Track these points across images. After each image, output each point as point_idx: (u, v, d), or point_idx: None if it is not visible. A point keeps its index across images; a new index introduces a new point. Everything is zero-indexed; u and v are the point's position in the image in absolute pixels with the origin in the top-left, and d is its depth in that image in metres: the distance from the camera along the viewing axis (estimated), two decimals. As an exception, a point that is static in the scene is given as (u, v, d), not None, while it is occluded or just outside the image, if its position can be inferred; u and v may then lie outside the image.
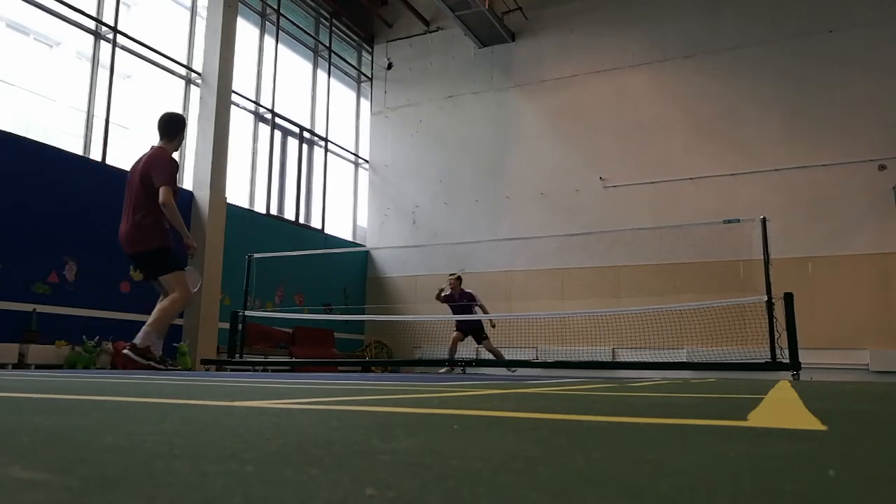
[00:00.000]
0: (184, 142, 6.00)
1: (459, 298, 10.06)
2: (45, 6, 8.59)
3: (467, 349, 11.54)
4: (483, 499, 0.49)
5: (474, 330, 10.15)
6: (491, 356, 10.26)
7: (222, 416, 1.24)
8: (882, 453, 0.83)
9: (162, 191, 5.49)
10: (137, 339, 5.52)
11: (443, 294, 10.05)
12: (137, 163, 5.80)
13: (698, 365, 8.31)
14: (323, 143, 13.58)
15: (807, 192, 10.90)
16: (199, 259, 9.81)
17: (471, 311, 9.97)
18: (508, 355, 11.28)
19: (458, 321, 10.02)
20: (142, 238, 5.66)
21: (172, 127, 5.89)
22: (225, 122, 10.36)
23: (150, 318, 5.63)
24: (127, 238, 5.74)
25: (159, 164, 5.62)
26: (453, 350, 10.09)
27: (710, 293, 9.73)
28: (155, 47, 9.92)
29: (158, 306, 5.71)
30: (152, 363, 5.54)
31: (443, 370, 9.56)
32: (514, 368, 9.91)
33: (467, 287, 10.30)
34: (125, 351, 5.58)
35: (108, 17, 9.30)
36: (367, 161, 14.77)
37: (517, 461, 0.68)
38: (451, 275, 10.31)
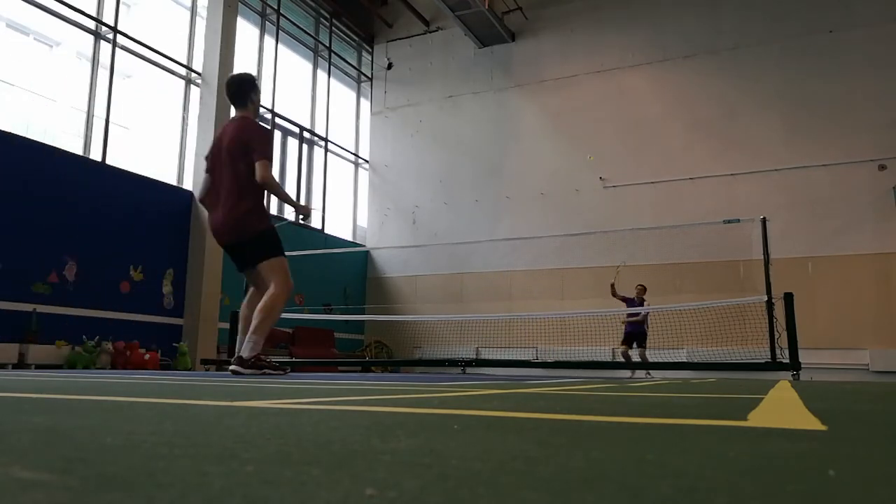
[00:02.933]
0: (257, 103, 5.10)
1: (638, 304, 9.93)
2: (45, 6, 8.59)
3: (467, 349, 11.55)
4: (483, 499, 0.49)
5: (638, 336, 10.03)
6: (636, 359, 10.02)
7: (222, 416, 1.24)
8: (882, 453, 0.83)
9: (259, 166, 4.67)
10: (245, 352, 4.69)
11: (619, 294, 9.98)
12: (220, 140, 4.96)
13: (698, 365, 8.31)
14: (323, 143, 13.58)
15: (807, 192, 10.90)
16: (199, 259, 9.82)
17: (641, 319, 9.85)
18: (509, 355, 11.29)
19: (626, 332, 9.98)
20: (242, 225, 4.81)
21: (243, 89, 5.01)
22: (225, 122, 10.35)
23: (253, 325, 4.76)
24: (223, 227, 4.86)
25: (250, 136, 4.77)
26: (628, 358, 9.91)
27: (710, 293, 9.73)
28: (155, 47, 9.91)
29: (259, 307, 4.82)
30: (267, 371, 4.74)
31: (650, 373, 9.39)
32: (650, 372, 9.54)
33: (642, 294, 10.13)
34: (232, 368, 4.73)
35: (108, 17, 9.30)
36: (367, 161, 14.77)
37: (517, 461, 0.68)
38: (638, 286, 10.13)
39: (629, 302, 10.03)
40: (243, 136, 4.78)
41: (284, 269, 5.00)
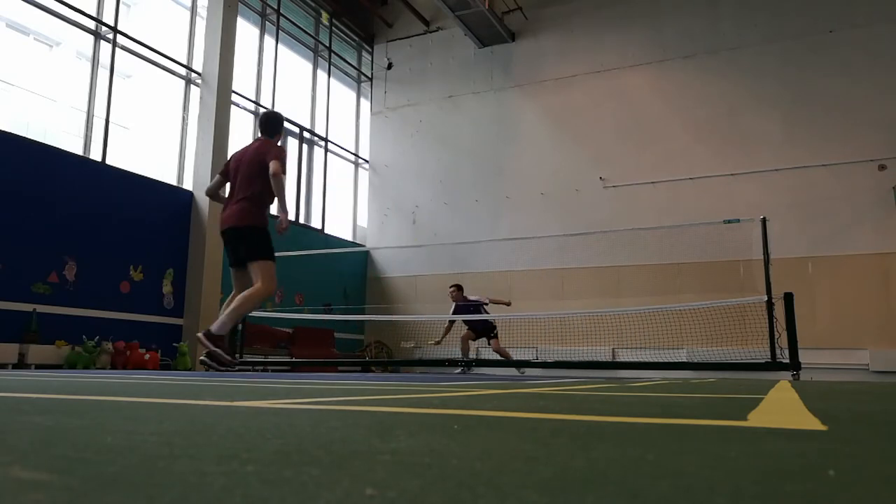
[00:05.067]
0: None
1: (464, 306, 10.05)
2: (45, 6, 8.59)
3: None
4: (483, 499, 0.49)
5: (485, 329, 10.15)
6: (498, 357, 10.24)
7: (222, 416, 1.24)
8: (882, 453, 0.83)
9: (273, 164, 5.46)
10: (214, 327, 5.38)
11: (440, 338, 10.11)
12: (242, 154, 5.83)
13: (698, 365, 8.31)
14: (323, 143, 13.58)
15: (807, 192, 10.90)
16: (200, 259, 9.82)
17: (479, 312, 9.97)
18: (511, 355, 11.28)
19: (469, 323, 10.06)
20: (245, 214, 5.55)
21: (272, 125, 5.99)
22: (225, 122, 10.36)
23: (231, 307, 5.43)
24: (229, 216, 5.63)
25: (269, 149, 5.67)
26: (466, 349, 10.09)
27: (710, 293, 9.73)
28: (155, 47, 9.91)
29: (243, 293, 5.46)
30: (220, 353, 5.36)
31: (458, 370, 9.53)
32: (523, 369, 9.88)
33: (470, 294, 10.30)
34: (199, 335, 5.47)
35: (108, 17, 9.30)
36: (367, 161, 14.77)
37: (517, 461, 0.68)
38: (450, 287, 10.34)
39: (456, 309, 10.12)
40: (264, 148, 5.66)
41: (272, 273, 5.59)
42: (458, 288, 10.33)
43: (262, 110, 12.03)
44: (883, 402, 2.21)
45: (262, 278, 5.46)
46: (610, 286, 11.53)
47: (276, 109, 6.33)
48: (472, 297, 10.22)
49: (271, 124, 5.98)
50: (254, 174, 5.58)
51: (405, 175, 14.23)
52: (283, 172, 5.54)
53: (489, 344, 10.30)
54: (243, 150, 5.92)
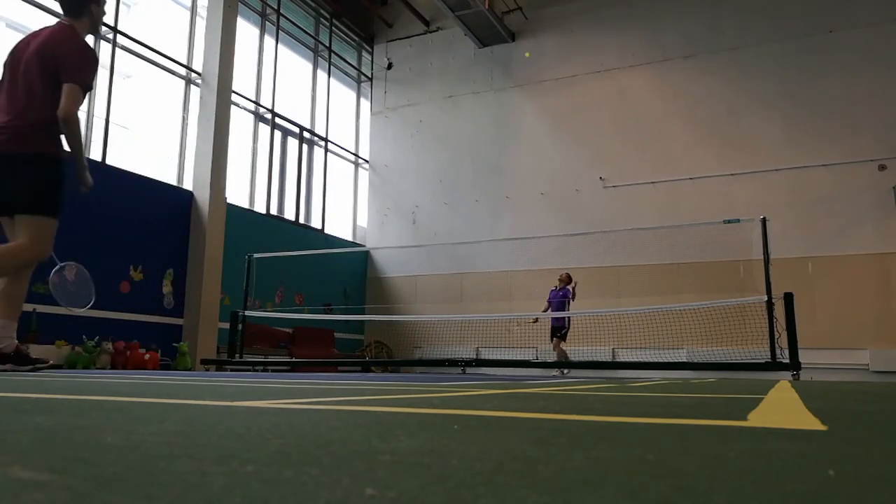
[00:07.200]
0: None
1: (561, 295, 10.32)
2: (45, 6, 8.59)
3: (467, 349, 11.55)
4: (483, 499, 0.49)
5: (555, 328, 10.37)
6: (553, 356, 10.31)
7: (222, 416, 1.24)
8: (882, 453, 0.83)
9: (67, 92, 3.81)
10: None
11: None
12: (27, 42, 4.05)
13: (698, 365, 8.31)
14: (323, 143, 13.58)
15: (807, 192, 10.90)
16: (199, 259, 9.81)
17: (562, 307, 10.18)
18: (509, 355, 11.28)
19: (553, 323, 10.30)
20: (24, 136, 3.86)
21: None
22: (225, 122, 10.36)
23: None
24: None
25: (67, 50, 3.88)
26: (563, 353, 10.17)
27: (710, 293, 9.73)
28: (155, 47, 9.91)
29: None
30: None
31: (565, 371, 9.52)
32: (566, 371, 9.68)
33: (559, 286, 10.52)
34: None
35: (108, 17, 9.29)
36: (367, 161, 14.77)
37: (517, 461, 0.68)
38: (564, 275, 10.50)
39: (552, 294, 10.35)
40: (62, 46, 3.89)
41: (48, 235, 4.04)
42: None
43: (262, 110, 12.03)
44: (883, 402, 2.21)
45: (33, 238, 3.93)
46: (610, 286, 11.53)
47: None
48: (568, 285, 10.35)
49: None
50: (40, 80, 3.88)
51: (405, 175, 14.23)
52: (83, 93, 3.87)
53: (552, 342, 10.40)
54: (29, 37, 4.08)
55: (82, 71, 3.86)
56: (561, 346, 10.17)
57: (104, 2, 4.21)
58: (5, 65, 4.03)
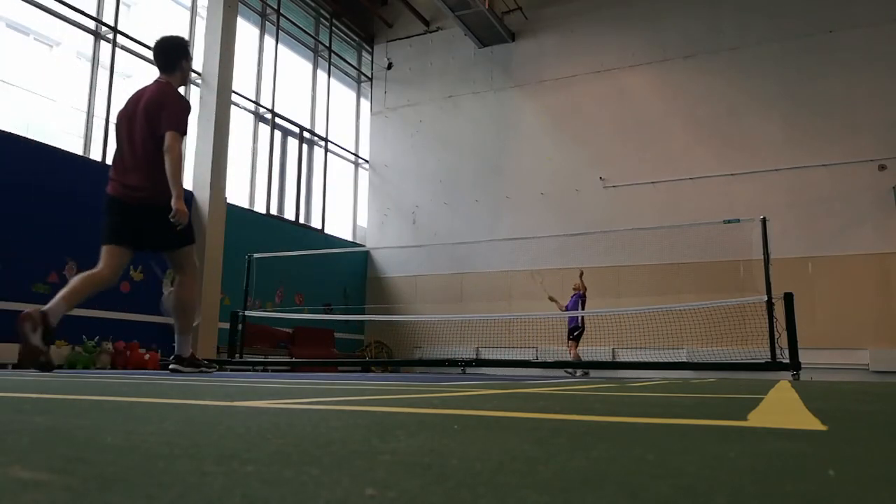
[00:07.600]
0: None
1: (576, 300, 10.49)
2: (45, 6, 8.59)
3: (467, 349, 11.55)
4: (483, 499, 0.49)
5: (569, 329, 10.52)
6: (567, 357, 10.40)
7: (222, 416, 1.24)
8: (882, 453, 0.83)
9: (168, 136, 4.49)
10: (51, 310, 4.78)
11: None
12: (135, 101, 4.75)
13: (698, 365, 8.31)
14: (323, 143, 13.58)
15: (807, 192, 10.90)
16: (200, 258, 9.81)
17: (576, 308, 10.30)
18: (509, 355, 11.29)
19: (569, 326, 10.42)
20: (160, 192, 4.49)
21: (177, 54, 4.88)
22: (225, 122, 10.36)
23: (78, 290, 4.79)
24: (133, 187, 4.56)
25: (165, 101, 4.62)
26: (578, 356, 10.23)
27: (710, 293, 9.73)
28: (155, 47, 9.90)
29: (181, 299, 4.82)
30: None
31: (577, 373, 9.54)
32: (578, 372, 9.64)
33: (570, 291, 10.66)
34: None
35: (108, 17, 9.29)
36: (367, 161, 14.77)
37: (517, 461, 0.68)
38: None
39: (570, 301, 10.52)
40: (161, 100, 4.61)
41: (194, 257, 4.88)
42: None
43: (262, 110, 12.03)
44: (883, 402, 2.21)
45: (192, 263, 4.81)
46: (610, 286, 11.53)
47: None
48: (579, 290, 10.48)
49: (173, 55, 4.86)
50: (152, 135, 4.59)
51: (405, 175, 14.23)
52: (182, 137, 4.54)
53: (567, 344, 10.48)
54: (136, 96, 4.79)
55: (180, 118, 4.59)
56: (575, 349, 10.24)
57: (192, 57, 5.01)
58: (118, 126, 4.76)
